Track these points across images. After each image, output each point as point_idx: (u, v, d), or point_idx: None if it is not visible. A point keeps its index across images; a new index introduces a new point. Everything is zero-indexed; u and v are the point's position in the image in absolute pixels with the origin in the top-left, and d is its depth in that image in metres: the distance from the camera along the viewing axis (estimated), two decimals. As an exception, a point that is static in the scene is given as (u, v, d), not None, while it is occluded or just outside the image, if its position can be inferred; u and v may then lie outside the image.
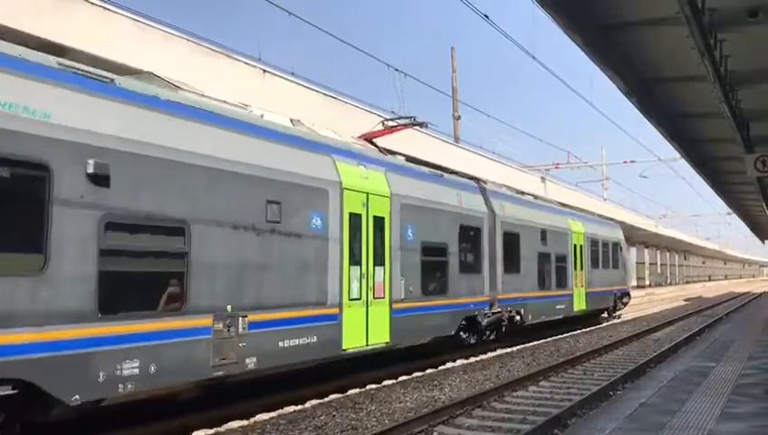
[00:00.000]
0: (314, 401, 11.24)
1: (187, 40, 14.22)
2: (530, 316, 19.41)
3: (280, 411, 10.49)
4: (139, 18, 13.09)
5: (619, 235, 30.38)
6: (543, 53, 22.90)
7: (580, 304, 23.96)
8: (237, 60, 15.46)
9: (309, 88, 17.85)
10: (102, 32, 12.27)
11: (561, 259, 22.50)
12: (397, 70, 21.38)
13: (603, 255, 27.19)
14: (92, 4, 12.25)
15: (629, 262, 33.75)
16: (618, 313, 30.48)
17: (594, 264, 25.88)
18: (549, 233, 21.39)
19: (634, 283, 74.68)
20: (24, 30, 9.95)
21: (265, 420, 10.00)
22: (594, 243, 26.08)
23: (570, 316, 23.36)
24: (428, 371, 14.64)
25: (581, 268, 24.18)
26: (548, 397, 11.67)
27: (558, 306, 22.01)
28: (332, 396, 11.70)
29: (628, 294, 31.48)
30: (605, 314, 29.13)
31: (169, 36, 13.81)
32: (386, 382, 13.15)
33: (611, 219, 35.94)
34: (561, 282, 22.46)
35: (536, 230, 20.46)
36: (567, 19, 11.16)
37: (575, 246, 23.74)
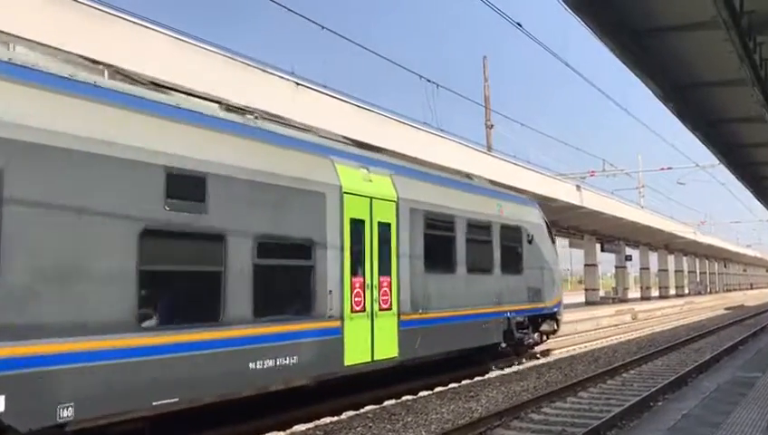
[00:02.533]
0: (351, 413, 11.24)
1: (222, 55, 14.45)
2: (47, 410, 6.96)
3: (317, 422, 10.51)
4: (173, 34, 13.36)
5: (529, 216, 17.54)
6: (577, 60, 22.60)
7: (375, 349, 11.38)
8: (272, 73, 15.65)
9: (341, 99, 17.98)
10: (139, 48, 12.52)
11: (292, 250, 10.13)
12: (429, 81, 21.41)
13: (473, 247, 14.48)
14: (128, 21, 12.53)
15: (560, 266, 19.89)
16: (538, 348, 18.68)
17: (439, 264, 13.39)
18: (217, 182, 8.79)
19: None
20: (65, 48, 10.20)
21: (302, 432, 10.04)
22: (442, 223, 13.58)
23: (337, 376, 10.91)
24: (465, 382, 14.54)
25: (386, 272, 11.76)
26: (587, 408, 11.50)
27: (264, 362, 9.28)
28: (368, 407, 11.68)
29: (552, 318, 18.18)
30: (524, 349, 17.62)
31: (205, 52, 14.04)
32: (422, 393, 13.10)
33: (522, 192, 22.22)
34: (288, 303, 10.15)
35: (145, 171, 8.03)
36: (601, 26, 11.08)
37: (358, 223, 11.22)
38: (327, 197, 10.59)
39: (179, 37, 13.47)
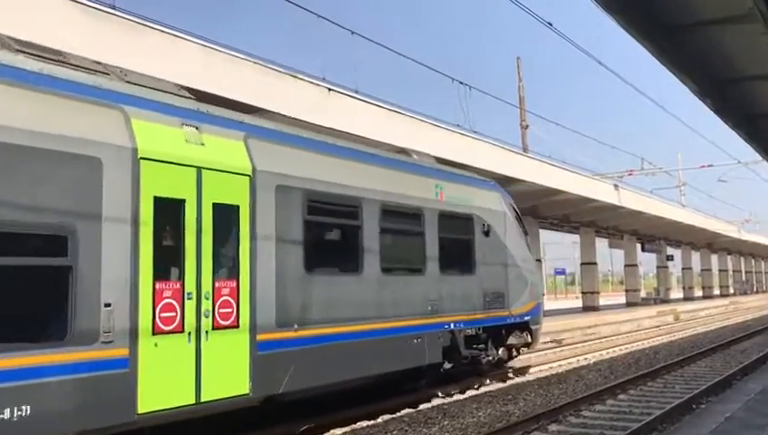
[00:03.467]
0: (387, 416, 11.23)
1: (253, 62, 14.61)
2: None
3: (353, 426, 10.53)
4: (205, 43, 13.57)
5: (485, 201, 13.93)
6: (610, 56, 22.13)
7: (205, 385, 7.85)
8: (303, 80, 15.78)
9: (373, 104, 18.03)
10: (169, 56, 12.76)
11: (20, 242, 6.64)
12: (461, 83, 21.35)
13: (393, 240, 11.30)
14: (160, 30, 12.78)
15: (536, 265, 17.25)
16: (509, 365, 15.35)
17: (333, 262, 10.42)
18: None
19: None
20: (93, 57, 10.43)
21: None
22: (338, 208, 10.31)
23: (130, 428, 7.33)
24: (502, 385, 14.43)
25: (230, 274, 8.44)
26: (626, 411, 11.30)
27: None
28: (405, 411, 11.66)
29: (524, 328, 14.72)
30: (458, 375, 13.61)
31: (235, 60, 14.23)
32: (458, 397, 13.03)
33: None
34: (13, 324, 6.43)
35: None
36: (633, 23, 10.92)
37: (171, 204, 7.86)
38: (105, 164, 7.19)
39: (209, 45, 13.68)
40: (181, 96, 8.95)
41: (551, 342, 24.29)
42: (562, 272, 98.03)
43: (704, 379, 14.27)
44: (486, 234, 13.52)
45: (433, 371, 12.36)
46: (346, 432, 10.25)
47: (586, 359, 19.03)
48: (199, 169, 8.13)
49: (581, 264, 46.26)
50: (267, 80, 14.90)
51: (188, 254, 7.92)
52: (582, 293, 46.46)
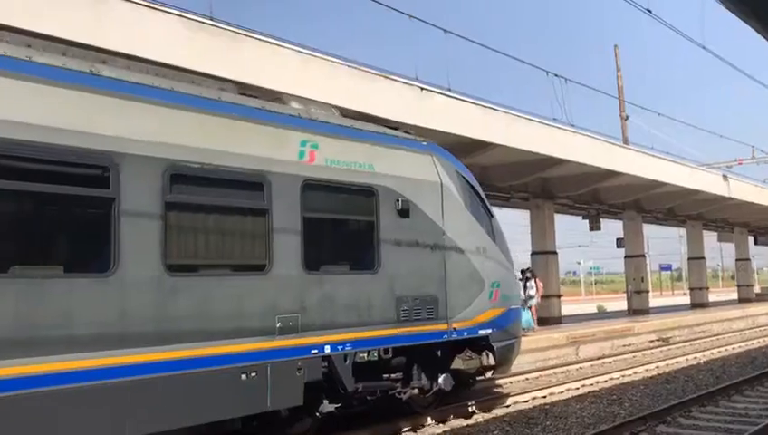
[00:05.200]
0: (486, 415, 11.16)
1: (347, 66, 14.82)
2: None
3: (451, 425, 10.53)
4: (302, 50, 13.89)
5: (403, 167, 9.71)
6: (714, 41, 21.02)
7: None
8: (395, 80, 15.86)
9: (467, 101, 17.90)
10: (271, 65, 13.14)
11: None
12: (556, 75, 20.90)
13: (195, 221, 7.46)
14: (261, 40, 13.17)
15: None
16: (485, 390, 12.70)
17: (42, 253, 6.37)
18: None
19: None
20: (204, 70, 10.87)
21: (438, 434, 10.09)
22: (44, 168, 6.11)
23: None
24: (606, 384, 14.05)
25: None
26: (742, 413, 10.75)
27: None
28: (505, 410, 11.55)
29: (483, 346, 10.57)
30: None
31: (330, 64, 14.48)
32: (561, 396, 12.79)
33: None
34: None
35: None
36: (741, 5, 10.35)
37: None
38: None
39: (305, 51, 13.98)
40: None
41: (657, 340, 23.50)
42: (668, 268, 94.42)
43: (828, 380, 13.40)
44: (403, 213, 9.42)
45: (303, 417, 8.57)
46: (446, 431, 10.26)
47: (695, 358, 18.25)
48: None
49: (689, 259, 44.45)
50: (360, 81, 15.08)
51: None
52: (690, 289, 44.63)
